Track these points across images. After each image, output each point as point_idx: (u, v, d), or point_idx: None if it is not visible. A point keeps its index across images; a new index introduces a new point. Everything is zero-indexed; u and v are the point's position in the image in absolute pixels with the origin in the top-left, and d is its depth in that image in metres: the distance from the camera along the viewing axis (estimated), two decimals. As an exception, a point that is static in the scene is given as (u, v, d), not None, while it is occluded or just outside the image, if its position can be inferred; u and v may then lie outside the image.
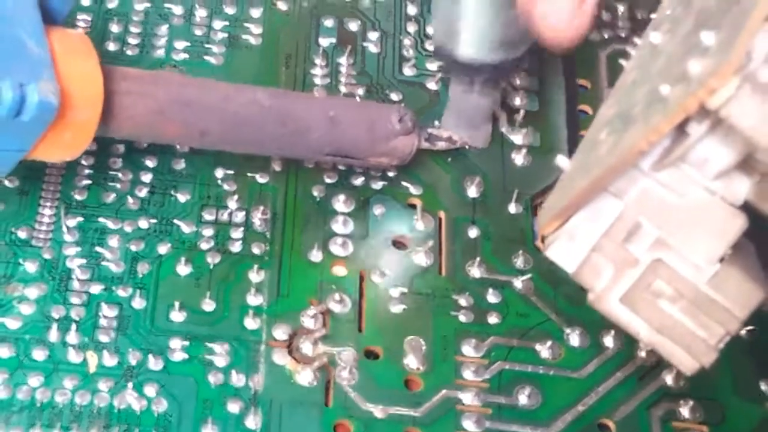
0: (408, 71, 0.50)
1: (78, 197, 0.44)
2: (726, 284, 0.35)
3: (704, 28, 0.31)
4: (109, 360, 0.40)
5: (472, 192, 0.47)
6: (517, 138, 0.49)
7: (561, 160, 0.38)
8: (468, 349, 0.43)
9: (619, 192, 0.35)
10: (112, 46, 0.48)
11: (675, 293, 0.35)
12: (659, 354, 0.36)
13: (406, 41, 0.51)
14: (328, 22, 0.51)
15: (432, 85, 0.50)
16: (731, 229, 0.34)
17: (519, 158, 0.48)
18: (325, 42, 0.50)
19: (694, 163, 0.34)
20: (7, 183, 0.44)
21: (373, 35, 0.51)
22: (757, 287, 0.35)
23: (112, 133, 0.41)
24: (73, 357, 0.40)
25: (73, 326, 0.41)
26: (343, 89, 0.49)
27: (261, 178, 0.45)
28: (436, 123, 0.48)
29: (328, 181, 0.46)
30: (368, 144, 0.43)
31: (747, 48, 0.29)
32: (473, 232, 0.46)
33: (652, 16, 0.39)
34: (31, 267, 0.42)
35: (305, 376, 0.41)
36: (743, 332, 0.43)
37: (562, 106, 0.50)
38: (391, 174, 0.46)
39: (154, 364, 0.40)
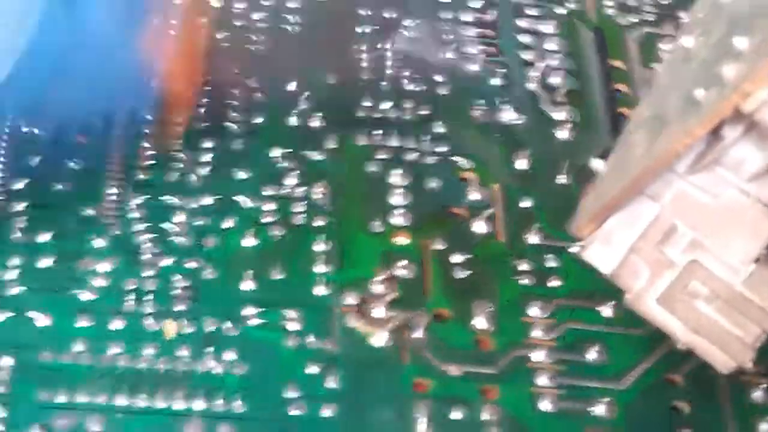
0: (448, 55, 0.51)
1: (142, 176, 0.44)
2: (761, 284, 0.35)
3: (737, 33, 0.32)
4: (187, 328, 0.41)
5: (522, 165, 0.48)
6: (559, 115, 0.50)
7: (595, 163, 0.39)
8: (534, 311, 0.43)
9: (655, 195, 0.36)
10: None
11: (711, 293, 0.35)
12: (697, 353, 0.37)
13: (444, 27, 0.52)
14: (365, 11, 0.52)
15: (473, 67, 0.51)
16: (766, 230, 0.35)
17: (564, 133, 0.49)
18: (365, 29, 0.51)
19: (728, 165, 0.34)
20: (72, 165, 0.44)
21: (409, 22, 0.52)
22: None
23: None
24: (151, 325, 0.41)
25: (149, 297, 0.41)
26: (389, 72, 0.49)
27: (317, 156, 0.46)
28: (481, 102, 0.49)
29: (381, 157, 0.47)
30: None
31: None
32: (526, 203, 0.46)
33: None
34: (101, 243, 0.42)
35: (379, 338, 0.42)
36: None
37: (598, 86, 0.51)
38: (442, 150, 0.47)
39: (232, 330, 0.41)
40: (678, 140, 0.33)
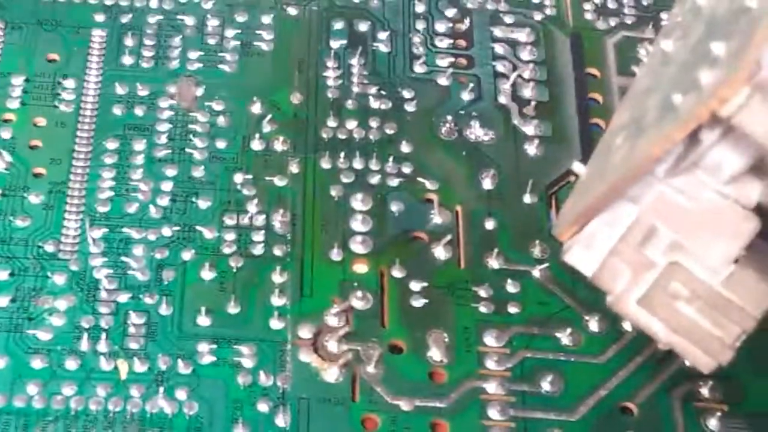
0: (419, 68, 0.51)
1: (101, 209, 0.45)
2: (741, 284, 0.36)
3: (714, 38, 0.32)
4: (140, 366, 0.41)
5: (487, 184, 0.47)
6: (529, 129, 0.49)
7: (577, 167, 0.39)
8: (490, 340, 0.43)
9: (635, 197, 0.36)
10: (127, 60, 0.49)
11: (691, 294, 0.36)
12: (678, 353, 0.37)
13: (416, 39, 0.51)
14: (338, 25, 0.52)
15: (443, 81, 0.50)
16: (744, 232, 0.35)
17: (531, 149, 0.49)
18: (335, 44, 0.51)
19: (707, 168, 0.34)
20: (32, 198, 0.45)
21: (383, 35, 0.51)
22: None
23: None
24: (105, 365, 0.41)
25: (103, 335, 0.42)
26: (355, 89, 0.49)
27: (279, 181, 0.46)
28: (449, 117, 0.49)
29: (345, 180, 0.47)
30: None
31: (756, 57, 0.30)
32: (490, 224, 0.46)
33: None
34: (59, 279, 0.43)
35: (331, 373, 0.42)
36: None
37: (571, 95, 0.51)
38: (406, 170, 0.47)
39: (184, 368, 0.41)
40: (657, 145, 0.33)
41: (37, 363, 0.41)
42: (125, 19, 0.51)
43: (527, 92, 0.51)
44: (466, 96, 0.50)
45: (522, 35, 0.52)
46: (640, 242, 0.36)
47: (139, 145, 0.47)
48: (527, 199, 0.47)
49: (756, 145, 0.32)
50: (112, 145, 0.47)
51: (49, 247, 0.44)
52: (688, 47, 0.35)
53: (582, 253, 0.37)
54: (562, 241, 0.38)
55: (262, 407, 0.41)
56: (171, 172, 0.46)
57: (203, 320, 0.43)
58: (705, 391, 0.43)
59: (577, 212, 0.37)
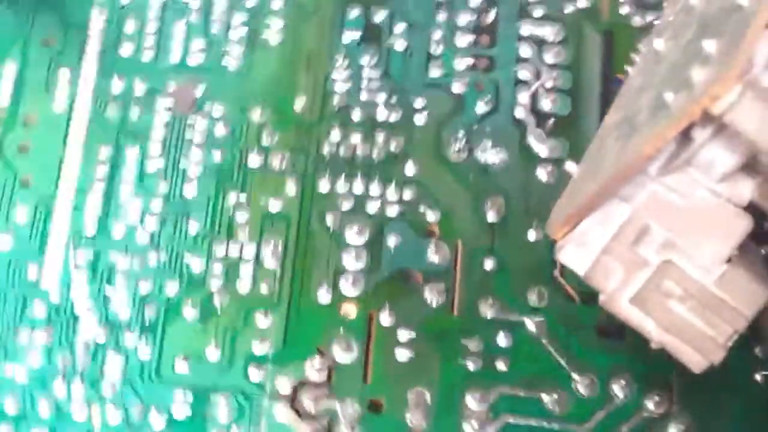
0: (434, 72, 0.48)
1: (87, 231, 0.44)
2: (733, 284, 0.36)
3: (706, 36, 0.32)
4: (113, 416, 0.41)
5: (492, 216, 0.45)
6: (543, 150, 0.47)
7: (569, 166, 0.39)
8: (472, 402, 0.43)
9: (627, 196, 0.36)
10: (127, 50, 0.47)
11: (684, 293, 0.36)
12: (669, 352, 0.37)
13: (435, 35, 0.48)
14: (354, 13, 0.48)
15: (458, 89, 0.47)
16: (737, 230, 0.35)
17: (544, 174, 0.46)
18: (348, 38, 0.48)
19: (699, 166, 0.34)
20: (17, 218, 0.44)
21: (400, 27, 0.48)
22: (764, 286, 0.36)
23: None
24: (78, 412, 0.41)
25: (78, 378, 0.41)
26: (363, 97, 0.47)
27: (274, 204, 0.45)
28: (460, 133, 0.47)
29: (342, 207, 0.45)
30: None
31: (748, 55, 0.30)
32: (489, 264, 0.45)
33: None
34: (39, 311, 0.42)
35: (306, 435, 0.41)
36: (758, 377, 0.43)
37: (595, 108, 0.48)
38: (408, 197, 0.45)
39: (158, 422, 0.41)
40: (649, 143, 0.33)
41: (10, 407, 0.41)
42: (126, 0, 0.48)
43: (547, 104, 0.48)
44: (481, 108, 0.47)
45: (550, 33, 0.49)
46: (633, 241, 0.36)
47: (132, 154, 0.45)
48: (532, 236, 0.45)
49: (748, 143, 0.32)
50: (103, 154, 0.45)
51: (32, 274, 0.43)
52: (680, 46, 0.35)
53: (575, 251, 0.37)
54: (554, 240, 0.38)
55: (233, 473, 0.41)
56: (162, 189, 0.45)
57: (181, 366, 0.42)
58: (691, 466, 0.42)
59: (569, 212, 0.37)
